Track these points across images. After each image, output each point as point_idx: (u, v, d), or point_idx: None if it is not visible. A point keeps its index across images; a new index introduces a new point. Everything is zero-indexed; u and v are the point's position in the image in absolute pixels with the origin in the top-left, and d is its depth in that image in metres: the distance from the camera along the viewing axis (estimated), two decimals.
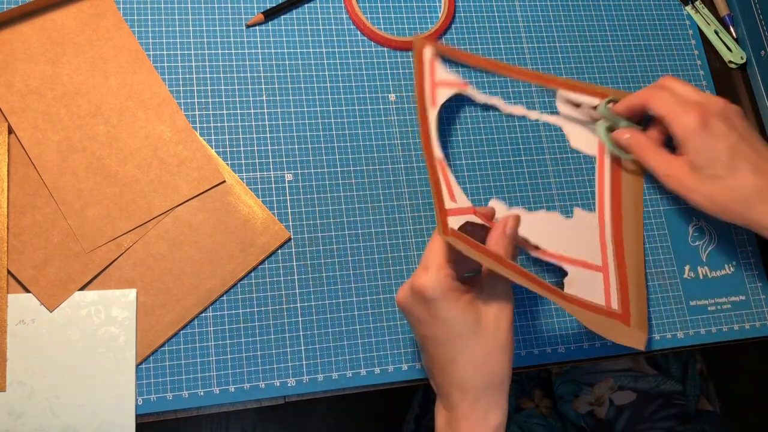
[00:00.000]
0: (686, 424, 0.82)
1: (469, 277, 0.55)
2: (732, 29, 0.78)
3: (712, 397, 0.87)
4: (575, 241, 0.60)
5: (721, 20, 0.78)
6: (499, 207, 0.62)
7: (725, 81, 0.76)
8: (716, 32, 0.77)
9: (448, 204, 0.55)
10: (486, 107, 0.68)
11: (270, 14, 0.66)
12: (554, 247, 0.60)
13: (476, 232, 0.56)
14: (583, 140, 0.66)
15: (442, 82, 0.63)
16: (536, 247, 0.60)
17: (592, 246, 0.60)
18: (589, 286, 0.58)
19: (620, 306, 0.57)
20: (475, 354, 0.48)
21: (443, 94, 0.62)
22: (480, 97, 0.64)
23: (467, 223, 0.55)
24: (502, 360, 0.49)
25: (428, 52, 0.64)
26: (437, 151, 0.59)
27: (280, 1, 0.67)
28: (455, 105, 0.67)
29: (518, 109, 0.65)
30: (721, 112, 0.57)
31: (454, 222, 0.54)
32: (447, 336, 0.49)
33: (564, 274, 0.60)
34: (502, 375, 0.49)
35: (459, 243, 0.49)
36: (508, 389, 0.50)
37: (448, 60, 0.68)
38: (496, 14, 0.72)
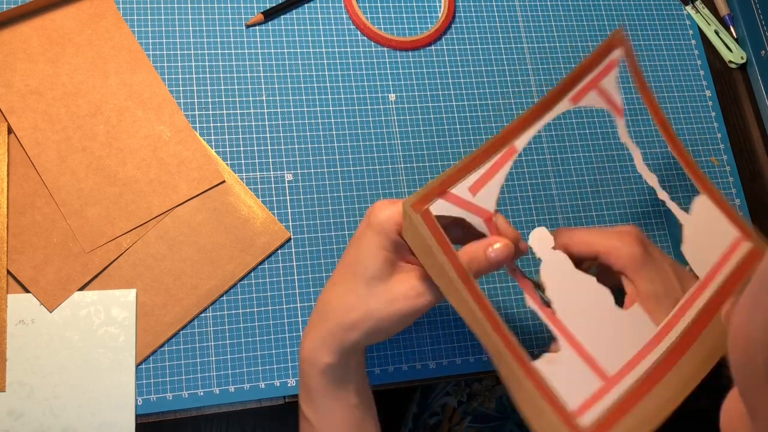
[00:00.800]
0: (685, 422, 0.82)
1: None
2: (732, 29, 0.77)
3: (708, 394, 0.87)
4: (602, 334, 0.48)
5: (721, 20, 0.78)
6: (541, 238, 0.50)
7: (725, 81, 0.76)
8: (716, 32, 0.77)
9: (458, 189, 0.47)
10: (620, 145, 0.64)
11: (270, 14, 0.66)
12: (571, 320, 0.47)
13: (467, 238, 0.49)
14: (699, 253, 0.53)
15: (604, 92, 0.53)
16: (547, 303, 0.48)
17: (619, 353, 0.47)
18: (573, 380, 0.46)
19: (597, 424, 0.44)
20: (346, 295, 0.46)
21: (593, 100, 0.52)
22: (624, 136, 0.54)
23: (461, 220, 0.47)
24: (364, 321, 0.46)
25: (617, 53, 0.54)
26: (521, 140, 0.49)
27: (280, 1, 0.67)
28: (586, 115, 0.63)
29: (651, 178, 0.55)
30: (639, 234, 0.51)
31: (442, 208, 0.46)
32: (348, 263, 0.47)
33: (550, 344, 0.49)
34: (353, 329, 0.46)
35: (421, 227, 0.43)
36: (361, 347, 0.48)
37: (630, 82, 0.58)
38: (496, 14, 0.72)
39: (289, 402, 0.58)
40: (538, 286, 0.49)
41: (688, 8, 0.77)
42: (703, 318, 0.49)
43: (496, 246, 0.45)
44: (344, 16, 0.69)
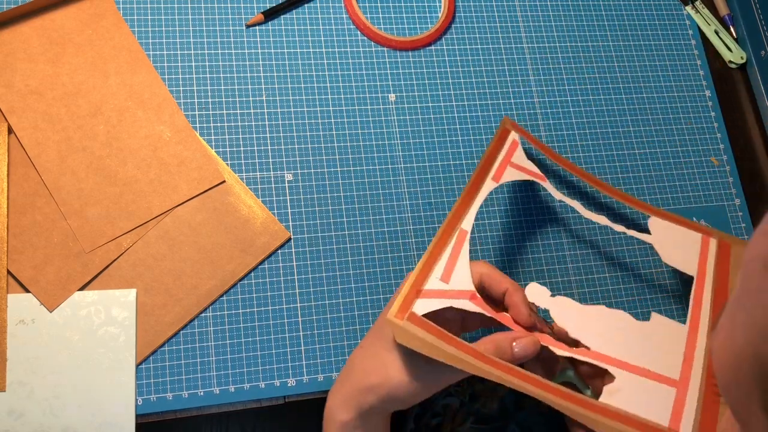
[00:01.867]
0: None
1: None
2: (732, 29, 0.77)
3: None
4: (644, 347, 0.49)
5: (721, 20, 0.78)
6: (537, 292, 0.52)
7: (725, 81, 0.76)
8: (716, 32, 0.77)
9: (431, 283, 0.48)
10: (562, 203, 0.66)
11: (270, 14, 0.66)
12: (609, 348, 0.48)
13: (469, 321, 0.50)
14: (680, 257, 0.57)
15: (517, 166, 0.58)
16: (584, 347, 0.49)
17: (670, 356, 0.49)
18: (647, 399, 0.47)
19: (695, 429, 0.45)
20: (381, 359, 0.47)
21: (512, 175, 0.57)
22: (557, 194, 0.59)
23: (449, 308, 0.48)
24: (391, 389, 0.46)
25: (514, 135, 0.61)
26: (466, 222, 0.52)
27: (280, 1, 0.67)
28: (520, 189, 0.66)
29: (601, 219, 0.59)
30: None
31: (424, 306, 0.46)
32: (375, 327, 0.49)
33: (601, 383, 0.49)
34: (379, 394, 0.46)
35: (415, 330, 0.44)
36: (385, 413, 0.48)
37: (531, 153, 0.65)
38: (496, 14, 0.72)
39: (289, 402, 0.58)
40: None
41: (688, 8, 0.77)
42: (719, 294, 0.54)
43: (521, 341, 0.46)
44: (344, 16, 0.69)
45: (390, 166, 0.65)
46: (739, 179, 0.71)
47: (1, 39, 0.60)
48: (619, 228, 0.58)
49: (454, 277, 0.49)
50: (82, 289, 0.56)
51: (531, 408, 0.75)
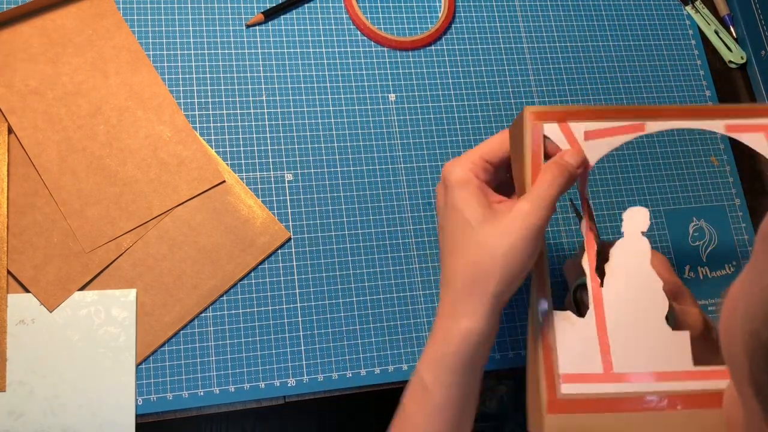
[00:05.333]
0: None
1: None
2: (732, 29, 0.77)
3: None
4: (637, 335, 0.46)
5: (721, 20, 0.78)
6: (635, 215, 0.48)
7: (725, 81, 0.76)
8: (716, 32, 0.77)
9: (575, 125, 0.47)
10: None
11: (270, 14, 0.66)
12: (612, 302, 0.46)
13: None
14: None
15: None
16: (602, 272, 0.47)
17: (640, 360, 0.45)
18: (578, 352, 0.45)
19: (568, 398, 0.44)
20: (467, 252, 0.45)
21: (755, 142, 0.49)
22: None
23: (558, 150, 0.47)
24: (493, 266, 0.44)
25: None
26: (658, 124, 0.47)
27: (280, 1, 0.67)
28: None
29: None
30: None
31: (552, 131, 0.46)
32: (452, 227, 0.46)
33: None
34: (487, 279, 0.44)
35: (528, 133, 0.45)
36: (501, 304, 0.45)
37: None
38: (496, 14, 0.72)
39: (289, 402, 0.58)
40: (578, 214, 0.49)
41: (688, 8, 0.77)
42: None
43: (570, 152, 0.47)
44: (344, 16, 0.69)
45: (390, 166, 0.65)
46: (739, 179, 0.71)
47: (1, 39, 0.60)
48: None
49: (593, 142, 0.48)
50: (82, 289, 0.56)
51: None
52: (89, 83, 0.61)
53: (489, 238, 0.44)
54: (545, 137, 0.47)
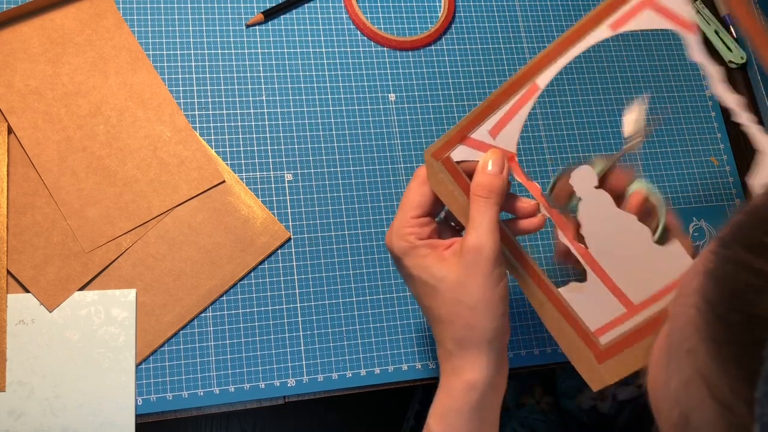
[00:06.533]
0: None
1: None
2: (732, 29, 0.77)
3: None
4: (637, 268, 0.47)
5: (721, 20, 0.78)
6: (583, 176, 0.48)
7: (725, 81, 0.76)
8: (716, 32, 0.77)
9: (478, 132, 0.47)
10: None
11: (270, 14, 0.66)
12: (603, 255, 0.48)
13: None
14: None
15: (664, 8, 0.47)
16: (581, 238, 0.48)
17: (651, 284, 0.47)
18: (596, 306, 0.48)
19: (610, 345, 0.47)
20: (444, 314, 0.45)
21: (645, 23, 0.47)
22: (698, 55, 0.50)
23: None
24: (474, 316, 0.44)
25: None
26: (543, 77, 0.47)
27: (280, 1, 0.67)
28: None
29: (731, 99, 0.50)
30: None
31: (463, 153, 0.47)
32: (420, 293, 0.46)
33: (577, 277, 0.50)
34: (476, 331, 0.44)
35: (444, 176, 0.45)
36: (499, 346, 0.45)
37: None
38: (496, 14, 0.72)
39: (289, 402, 0.58)
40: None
41: None
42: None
43: (490, 161, 0.45)
44: (344, 16, 0.69)
45: (390, 166, 0.65)
46: (739, 179, 0.71)
47: (1, 39, 0.60)
48: (742, 119, 0.51)
49: (502, 134, 0.47)
50: (82, 289, 0.56)
51: (531, 406, 0.75)
52: (89, 83, 0.61)
53: (458, 294, 0.44)
54: (458, 163, 0.47)
